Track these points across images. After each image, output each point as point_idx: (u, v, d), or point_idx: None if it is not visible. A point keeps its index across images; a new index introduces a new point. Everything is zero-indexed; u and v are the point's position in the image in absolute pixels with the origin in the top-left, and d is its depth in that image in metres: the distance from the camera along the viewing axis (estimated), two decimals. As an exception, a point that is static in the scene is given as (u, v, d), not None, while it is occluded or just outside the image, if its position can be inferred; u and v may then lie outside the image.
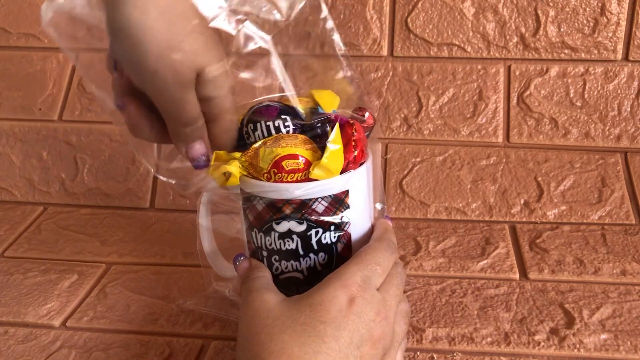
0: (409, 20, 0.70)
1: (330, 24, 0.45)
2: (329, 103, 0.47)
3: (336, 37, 0.45)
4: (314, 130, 0.44)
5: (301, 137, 0.44)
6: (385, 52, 0.71)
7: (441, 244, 0.61)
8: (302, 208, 0.43)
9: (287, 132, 0.44)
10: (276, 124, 0.44)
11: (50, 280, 0.58)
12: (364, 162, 0.45)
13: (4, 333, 0.52)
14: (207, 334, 0.51)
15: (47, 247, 0.64)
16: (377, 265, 0.41)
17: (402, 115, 0.71)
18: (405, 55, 0.71)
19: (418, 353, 0.47)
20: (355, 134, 0.44)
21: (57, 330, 0.52)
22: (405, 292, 0.54)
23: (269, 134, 0.44)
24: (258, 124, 0.44)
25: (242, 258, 0.46)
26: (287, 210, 0.43)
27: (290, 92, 0.44)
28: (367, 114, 0.47)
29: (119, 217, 0.70)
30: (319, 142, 0.44)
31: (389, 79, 0.71)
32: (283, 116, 0.44)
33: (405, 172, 0.69)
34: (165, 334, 0.51)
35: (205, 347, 0.49)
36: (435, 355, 0.47)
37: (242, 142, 0.46)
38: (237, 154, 0.44)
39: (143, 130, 0.44)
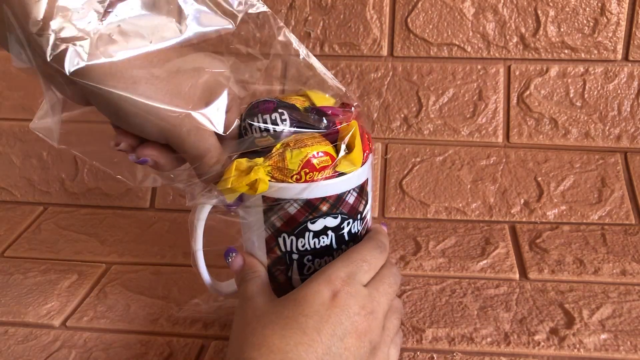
0: (409, 20, 0.70)
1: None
2: (324, 103, 0.48)
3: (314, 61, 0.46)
4: (312, 125, 0.45)
5: (317, 135, 0.44)
6: (385, 52, 0.71)
7: (441, 244, 0.61)
8: (338, 202, 0.44)
9: (284, 124, 0.44)
10: (272, 117, 0.44)
11: (50, 280, 0.58)
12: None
13: (4, 333, 0.52)
14: (207, 333, 0.51)
15: (47, 247, 0.64)
16: (363, 262, 0.41)
17: (402, 115, 0.71)
18: (405, 55, 0.71)
19: (418, 353, 0.47)
20: (362, 126, 0.45)
21: (57, 330, 0.52)
22: (405, 291, 0.54)
23: (266, 127, 0.44)
24: (255, 118, 0.44)
25: (233, 254, 0.46)
26: (324, 208, 0.43)
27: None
28: (353, 108, 0.48)
29: (119, 217, 0.70)
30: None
31: (389, 79, 0.71)
32: (280, 110, 0.44)
33: (405, 172, 0.69)
34: (165, 334, 0.51)
35: (205, 347, 0.49)
36: (435, 355, 0.47)
37: (240, 138, 0.46)
38: (259, 160, 0.43)
39: (168, 166, 0.44)
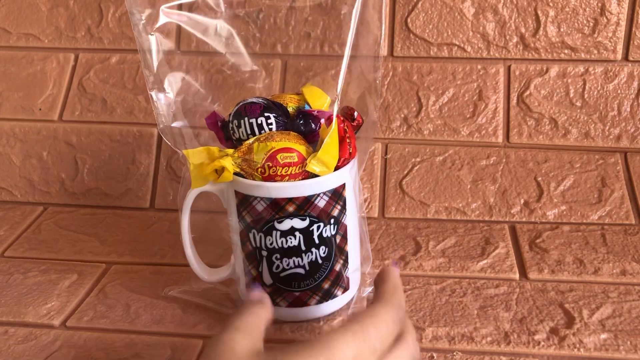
0: (409, 20, 0.70)
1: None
2: (318, 101, 0.48)
3: None
4: (299, 127, 0.45)
5: (293, 134, 0.44)
6: (385, 52, 0.71)
7: (441, 244, 0.61)
8: (305, 204, 0.43)
9: (270, 129, 0.44)
10: (259, 122, 0.44)
11: (50, 280, 0.58)
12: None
13: (4, 333, 0.52)
14: (209, 334, 0.51)
15: (47, 247, 0.64)
16: (377, 341, 0.32)
17: (402, 115, 0.71)
18: (405, 55, 0.71)
19: (418, 353, 0.48)
20: (347, 130, 0.45)
21: (57, 330, 0.52)
22: (405, 291, 0.54)
23: (252, 131, 0.44)
24: (242, 121, 0.45)
25: (257, 289, 0.42)
26: (290, 208, 0.43)
27: None
28: (355, 113, 0.48)
29: (118, 217, 0.70)
30: (305, 139, 0.45)
31: (389, 79, 0.71)
32: (266, 114, 0.44)
33: (405, 172, 0.69)
34: (166, 334, 0.51)
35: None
36: (435, 355, 0.47)
37: (228, 137, 0.47)
38: (230, 150, 0.44)
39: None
